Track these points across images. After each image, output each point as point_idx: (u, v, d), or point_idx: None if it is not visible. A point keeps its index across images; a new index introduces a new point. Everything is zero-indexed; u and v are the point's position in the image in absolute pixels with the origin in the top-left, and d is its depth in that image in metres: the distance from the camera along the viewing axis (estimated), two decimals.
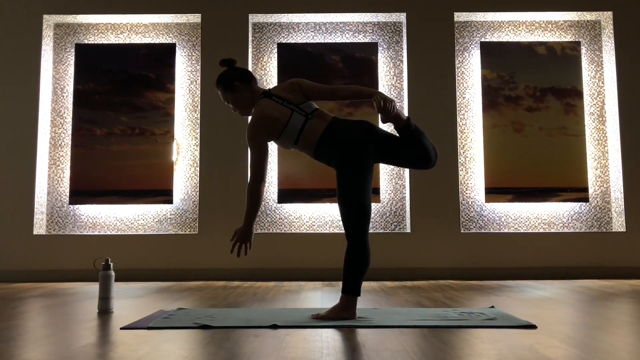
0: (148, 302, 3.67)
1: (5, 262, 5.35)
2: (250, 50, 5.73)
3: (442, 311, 3.00)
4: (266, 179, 2.88)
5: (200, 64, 5.69)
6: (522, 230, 5.60)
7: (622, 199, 5.47)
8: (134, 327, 2.57)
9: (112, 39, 5.86)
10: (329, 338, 2.32)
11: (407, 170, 5.57)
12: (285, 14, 5.73)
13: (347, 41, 5.84)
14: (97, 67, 5.79)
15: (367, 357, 1.99)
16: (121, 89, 5.78)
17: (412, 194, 5.47)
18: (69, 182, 5.66)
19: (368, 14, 5.74)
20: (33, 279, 5.20)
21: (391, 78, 5.81)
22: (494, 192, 5.61)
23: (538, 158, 5.64)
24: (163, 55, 5.81)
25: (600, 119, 5.75)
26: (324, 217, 5.60)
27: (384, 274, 5.08)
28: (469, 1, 5.71)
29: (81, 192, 5.63)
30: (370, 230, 5.33)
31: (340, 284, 2.83)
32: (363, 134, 2.76)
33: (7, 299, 3.86)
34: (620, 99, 5.57)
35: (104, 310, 3.08)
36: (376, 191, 5.59)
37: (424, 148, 2.76)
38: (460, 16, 5.74)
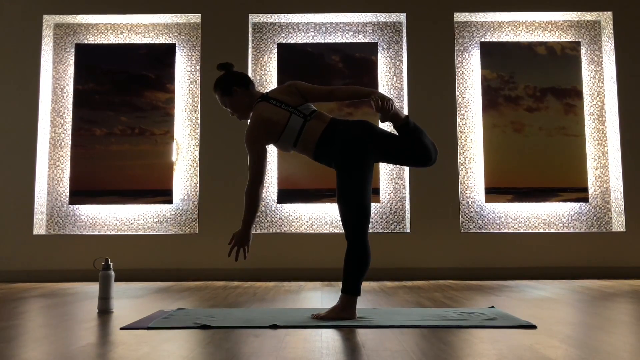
0: (148, 302, 3.67)
1: (5, 262, 5.35)
2: (250, 50, 5.73)
3: (442, 311, 3.00)
4: (265, 181, 2.87)
5: (200, 64, 5.69)
6: (522, 230, 5.60)
7: (622, 199, 5.47)
8: (133, 327, 2.57)
9: (112, 39, 5.86)
10: (329, 338, 2.32)
11: (407, 170, 5.57)
12: (285, 14, 5.73)
13: (347, 41, 5.84)
14: (97, 67, 5.79)
15: (367, 357, 1.99)
16: (121, 89, 5.78)
17: (412, 194, 5.48)
18: (68, 182, 5.66)
19: (368, 14, 5.74)
20: (33, 279, 5.19)
21: (391, 78, 5.81)
22: (493, 192, 5.61)
23: (538, 158, 5.64)
24: (163, 55, 5.81)
25: (600, 119, 5.75)
26: (323, 217, 5.60)
27: (384, 274, 5.08)
28: (469, 1, 5.72)
29: (81, 192, 5.63)
30: (370, 230, 5.33)
31: (340, 284, 2.83)
32: (362, 134, 2.76)
33: (7, 299, 3.86)
34: (620, 99, 5.57)
35: (104, 310, 3.08)
36: (376, 191, 5.59)
37: (424, 146, 2.76)
38: (460, 16, 5.74)
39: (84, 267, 4.66)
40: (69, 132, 5.73)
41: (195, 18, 5.76)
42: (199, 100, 5.67)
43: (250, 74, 5.71)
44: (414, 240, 5.42)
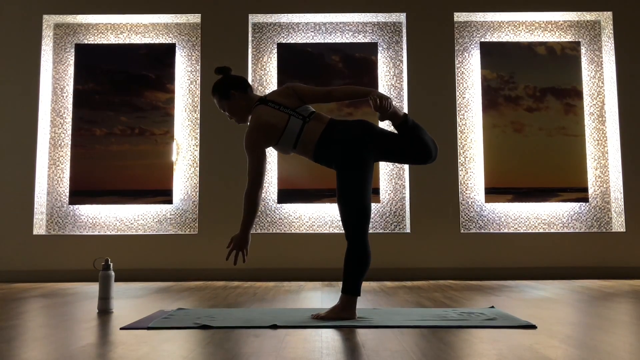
0: (148, 302, 3.67)
1: (5, 262, 5.35)
2: (250, 50, 5.73)
3: (442, 311, 3.00)
4: (264, 184, 2.88)
5: (200, 64, 5.69)
6: (522, 231, 5.60)
7: (622, 199, 5.47)
8: (133, 327, 2.57)
9: (112, 39, 5.86)
10: (328, 338, 2.32)
11: (407, 171, 5.57)
12: (285, 14, 5.73)
13: (347, 41, 5.84)
14: (97, 67, 5.79)
15: (367, 357, 1.99)
16: (121, 89, 5.78)
17: (412, 194, 5.48)
18: (68, 182, 5.66)
19: (368, 14, 5.74)
20: (33, 279, 5.19)
21: (391, 78, 5.81)
22: (493, 192, 5.61)
23: (538, 158, 5.64)
24: (163, 55, 5.81)
25: (600, 119, 5.75)
26: (323, 217, 5.60)
27: (383, 274, 5.08)
28: (469, 1, 5.72)
29: (81, 192, 5.63)
30: (370, 230, 5.33)
31: (340, 284, 2.83)
32: (361, 133, 2.77)
33: (7, 299, 3.86)
34: (620, 99, 5.57)
35: (104, 311, 3.08)
36: (376, 191, 5.59)
37: (424, 143, 2.77)
38: (460, 16, 5.74)
39: (84, 267, 4.65)
40: (69, 132, 5.73)
41: (195, 18, 5.76)
42: (199, 100, 5.67)
43: (250, 74, 5.71)
44: (414, 240, 5.42)
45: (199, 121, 5.63)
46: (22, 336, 2.50)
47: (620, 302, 3.60)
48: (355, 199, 2.73)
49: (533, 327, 2.52)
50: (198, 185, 5.57)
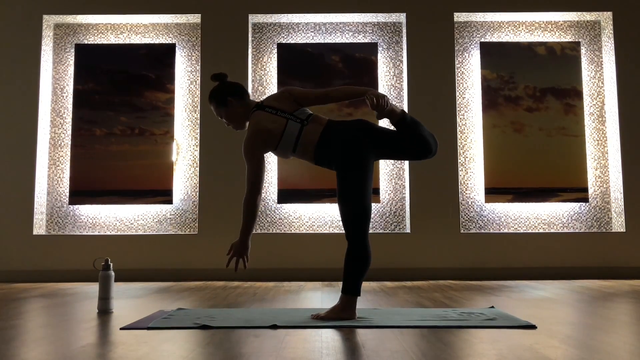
0: (148, 302, 3.67)
1: (5, 262, 5.35)
2: (250, 50, 5.73)
3: (442, 311, 3.00)
4: (263, 185, 2.88)
5: (200, 64, 5.69)
6: (522, 231, 5.60)
7: (622, 199, 5.47)
8: (133, 327, 2.57)
9: (112, 39, 5.86)
10: (328, 338, 2.32)
11: (407, 171, 5.57)
12: (285, 14, 5.73)
13: (347, 41, 5.84)
14: (97, 67, 5.79)
15: (367, 357, 1.99)
16: (121, 89, 5.78)
17: (412, 194, 5.48)
18: (68, 182, 5.66)
19: (368, 14, 5.74)
20: (33, 279, 5.19)
21: (391, 78, 5.81)
22: (493, 192, 5.61)
23: (538, 158, 5.64)
24: (163, 56, 5.81)
25: (600, 119, 5.75)
26: (323, 217, 5.60)
27: (384, 274, 5.08)
28: (469, 1, 5.72)
29: (81, 192, 5.63)
30: (370, 230, 5.32)
31: (340, 284, 2.83)
32: (360, 133, 2.77)
33: (7, 299, 3.86)
34: (620, 99, 5.57)
35: (104, 311, 3.08)
36: (376, 191, 5.59)
37: (423, 138, 2.77)
38: (460, 16, 5.74)
39: (84, 267, 4.66)
40: (69, 132, 5.73)
41: (195, 18, 5.76)
42: (199, 100, 5.67)
43: (250, 74, 5.71)
44: (414, 240, 5.42)
45: (199, 121, 5.63)
46: (22, 336, 2.50)
47: (620, 302, 3.60)
48: (356, 199, 2.73)
49: (533, 327, 2.52)
50: (198, 185, 5.57)
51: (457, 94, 5.70)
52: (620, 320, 2.90)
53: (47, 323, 2.88)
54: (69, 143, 5.72)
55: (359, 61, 5.80)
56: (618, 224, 5.53)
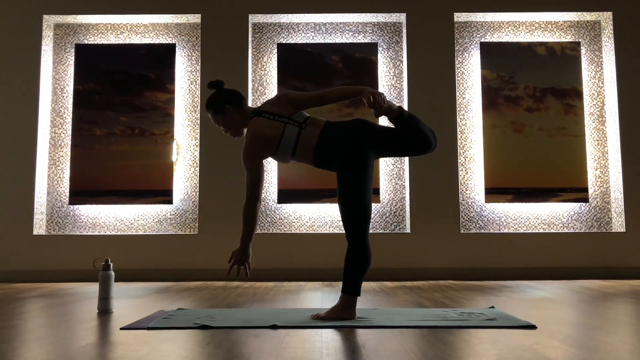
0: (148, 302, 3.67)
1: (5, 262, 5.35)
2: (250, 50, 5.73)
3: (442, 311, 3.00)
4: (264, 185, 2.88)
5: (200, 64, 5.69)
6: (522, 231, 5.60)
7: (622, 199, 5.47)
8: (133, 327, 2.57)
9: (112, 39, 5.86)
10: (328, 338, 2.32)
11: (407, 171, 5.57)
12: (285, 14, 5.73)
13: (347, 41, 5.84)
14: (97, 67, 5.79)
15: (367, 357, 1.99)
16: (121, 89, 5.78)
17: (412, 194, 5.48)
18: (68, 182, 5.66)
19: (368, 14, 5.74)
20: (33, 279, 5.19)
21: (391, 78, 5.81)
22: (493, 192, 5.61)
23: (538, 158, 5.64)
24: (163, 56, 5.81)
25: (600, 119, 5.75)
26: (323, 217, 5.60)
27: (384, 274, 5.08)
28: (469, 1, 5.72)
29: (81, 192, 5.63)
30: (370, 230, 5.30)
31: (340, 284, 2.83)
32: (359, 133, 2.77)
33: (7, 299, 3.86)
34: (620, 99, 5.57)
35: (104, 311, 3.08)
36: (376, 191, 5.59)
37: (422, 133, 2.77)
38: (460, 16, 5.74)
39: (84, 267, 4.66)
40: (69, 132, 5.73)
41: (195, 18, 5.76)
42: (199, 100, 5.67)
43: (250, 74, 5.71)
44: (414, 241, 5.42)
45: (199, 121, 5.63)
46: (22, 336, 2.50)
47: (620, 302, 3.60)
48: (356, 199, 2.73)
49: (533, 327, 2.52)
50: (198, 185, 5.57)
51: (457, 94, 5.70)
52: (620, 320, 2.90)
53: (47, 323, 2.88)
54: (69, 143, 5.72)
55: (359, 61, 5.80)
56: (618, 224, 5.53)
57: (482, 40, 5.83)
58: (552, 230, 5.60)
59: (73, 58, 5.82)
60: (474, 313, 2.91)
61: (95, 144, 5.70)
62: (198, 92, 5.73)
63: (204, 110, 5.54)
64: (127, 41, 5.86)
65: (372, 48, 5.81)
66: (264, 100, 5.55)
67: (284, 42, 5.84)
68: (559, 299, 3.73)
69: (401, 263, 5.33)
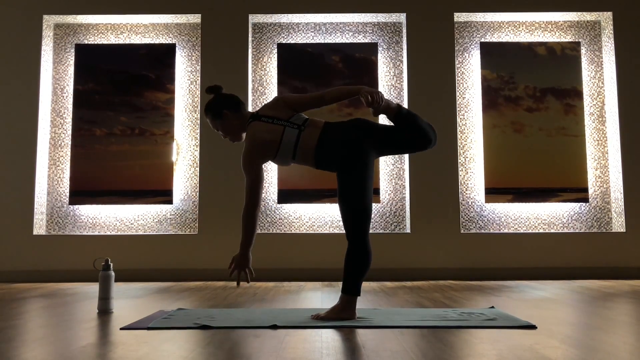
0: (148, 302, 3.67)
1: (5, 262, 5.35)
2: (250, 50, 5.73)
3: (442, 311, 3.00)
4: (264, 186, 2.88)
5: (200, 64, 5.69)
6: (522, 231, 5.60)
7: (622, 200, 5.47)
8: (133, 327, 2.57)
9: (112, 39, 5.86)
10: (328, 338, 2.32)
11: (407, 171, 5.57)
12: (285, 14, 5.73)
13: (347, 41, 5.84)
14: (97, 67, 5.79)
15: (367, 357, 1.99)
16: (121, 89, 5.78)
17: (412, 194, 5.48)
18: (68, 182, 5.66)
19: (368, 14, 5.74)
20: (33, 279, 5.19)
21: (391, 78, 5.81)
22: (493, 192, 5.61)
23: (538, 158, 5.64)
24: (163, 56, 5.81)
25: (600, 119, 5.75)
26: (323, 217, 5.60)
27: (384, 274, 5.08)
28: (469, 1, 5.72)
29: (81, 192, 5.63)
30: (370, 231, 5.29)
31: (340, 284, 2.83)
32: (358, 133, 2.77)
33: (7, 299, 3.86)
34: (620, 99, 5.57)
35: (104, 311, 3.08)
36: (376, 191, 5.59)
37: (421, 129, 2.77)
38: (460, 16, 5.74)
39: (84, 267, 4.66)
40: (69, 132, 5.73)
41: (195, 18, 5.76)
42: (199, 100, 5.67)
43: (250, 74, 5.71)
44: (414, 241, 5.42)
45: (199, 121, 5.63)
46: (22, 336, 2.50)
47: (620, 302, 3.60)
48: (356, 199, 2.73)
49: (533, 327, 2.52)
50: (198, 185, 5.57)
51: (457, 94, 5.70)
52: (620, 320, 2.90)
53: (47, 323, 2.88)
54: (69, 143, 5.72)
55: (359, 61, 5.80)
56: (618, 224, 5.53)
57: (482, 40, 5.83)
58: (552, 230, 5.60)
59: (73, 58, 5.82)
60: (474, 313, 2.91)
61: (95, 144, 5.70)
62: (198, 92, 5.73)
63: (204, 110, 5.56)
64: (127, 41, 5.86)
65: (372, 48, 5.81)
66: (264, 101, 5.58)
67: (284, 42, 5.84)
68: (559, 299, 3.73)
69: (401, 263, 5.33)
